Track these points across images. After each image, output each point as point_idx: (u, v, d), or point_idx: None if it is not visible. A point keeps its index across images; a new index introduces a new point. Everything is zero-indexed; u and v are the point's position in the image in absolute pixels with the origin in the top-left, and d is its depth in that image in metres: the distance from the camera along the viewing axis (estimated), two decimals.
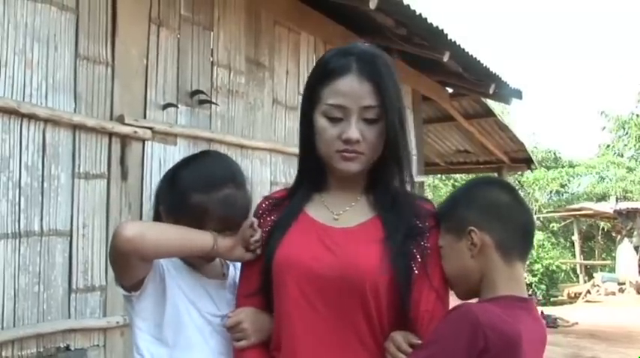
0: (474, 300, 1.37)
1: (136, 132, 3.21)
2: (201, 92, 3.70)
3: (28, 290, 2.72)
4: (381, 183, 1.42)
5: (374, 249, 1.33)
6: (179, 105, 3.57)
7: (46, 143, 2.83)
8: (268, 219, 1.48)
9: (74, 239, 2.94)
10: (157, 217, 1.56)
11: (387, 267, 1.31)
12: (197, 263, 1.55)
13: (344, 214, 1.42)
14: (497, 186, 1.47)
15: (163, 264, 1.50)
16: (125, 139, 3.20)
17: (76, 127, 2.97)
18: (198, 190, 1.47)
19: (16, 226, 2.70)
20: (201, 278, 1.55)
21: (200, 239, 1.44)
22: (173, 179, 1.54)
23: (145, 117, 3.33)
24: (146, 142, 3.32)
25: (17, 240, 2.70)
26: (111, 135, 3.14)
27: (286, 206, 1.48)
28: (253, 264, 1.46)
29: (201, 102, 3.72)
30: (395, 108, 1.35)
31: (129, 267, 1.41)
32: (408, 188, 1.45)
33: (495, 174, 9.60)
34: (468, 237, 1.34)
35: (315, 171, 1.46)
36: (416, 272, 1.33)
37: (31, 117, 2.76)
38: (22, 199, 2.73)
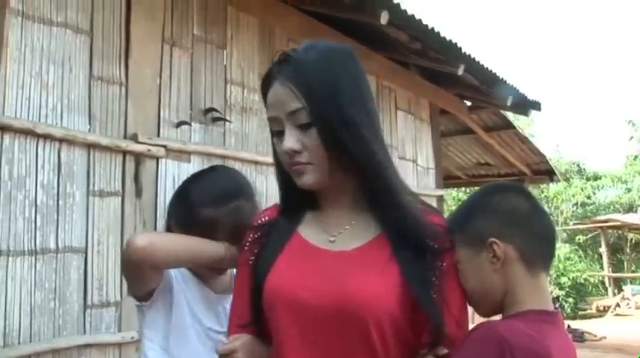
0: (496, 317, 1.26)
1: (149, 150, 3.27)
2: (215, 110, 3.76)
3: (44, 306, 2.78)
4: (377, 198, 1.22)
5: (376, 276, 1.16)
6: (192, 123, 3.62)
7: (61, 162, 2.91)
8: (260, 241, 1.32)
9: (89, 255, 3.00)
10: (169, 231, 1.59)
11: (393, 295, 1.15)
12: (206, 275, 1.56)
13: (340, 236, 1.24)
14: (513, 192, 1.31)
15: (173, 276, 1.52)
16: (139, 157, 3.26)
17: (90, 146, 3.04)
18: (206, 205, 1.49)
19: (33, 243, 2.76)
20: (208, 293, 1.56)
21: (212, 247, 1.45)
22: (182, 195, 1.57)
23: (158, 135, 3.39)
24: (160, 160, 3.37)
25: (33, 257, 2.76)
26: (125, 153, 3.20)
27: (277, 226, 1.31)
28: (243, 292, 1.31)
29: (215, 119, 3.77)
30: (325, 105, 1.16)
31: (141, 276, 1.43)
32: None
33: None
34: (489, 249, 1.21)
35: (297, 191, 1.27)
36: (434, 296, 1.16)
37: (47, 137, 2.84)
38: (38, 217, 2.79)
